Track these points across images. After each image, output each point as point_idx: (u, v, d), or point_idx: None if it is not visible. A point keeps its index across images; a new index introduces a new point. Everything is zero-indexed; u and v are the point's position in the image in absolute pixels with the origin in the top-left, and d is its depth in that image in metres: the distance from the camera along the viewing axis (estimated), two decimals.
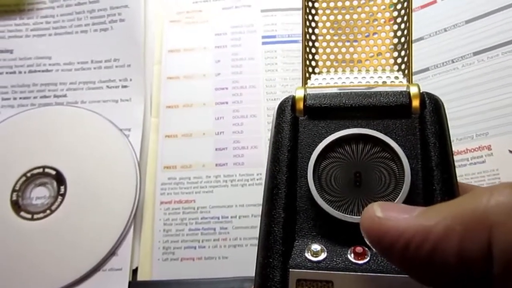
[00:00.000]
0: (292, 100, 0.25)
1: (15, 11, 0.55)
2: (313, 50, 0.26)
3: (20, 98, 0.52)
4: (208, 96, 0.50)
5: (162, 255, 0.44)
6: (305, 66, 0.26)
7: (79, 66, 0.52)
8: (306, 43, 0.26)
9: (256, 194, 0.45)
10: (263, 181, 0.45)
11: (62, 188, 0.46)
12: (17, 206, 0.46)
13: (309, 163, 0.23)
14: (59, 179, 0.47)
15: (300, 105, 0.24)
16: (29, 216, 0.45)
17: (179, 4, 0.55)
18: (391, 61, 0.25)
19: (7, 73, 0.53)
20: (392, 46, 0.25)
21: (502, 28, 0.43)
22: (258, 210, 0.44)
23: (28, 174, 0.47)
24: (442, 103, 0.24)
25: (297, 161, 0.23)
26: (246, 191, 0.46)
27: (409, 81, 0.25)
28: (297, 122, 0.24)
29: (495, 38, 0.43)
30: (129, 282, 0.43)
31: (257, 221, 0.44)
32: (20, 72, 0.53)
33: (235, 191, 0.46)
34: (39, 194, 0.47)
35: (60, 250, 0.44)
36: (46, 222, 0.45)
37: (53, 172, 0.47)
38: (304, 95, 0.24)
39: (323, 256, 0.21)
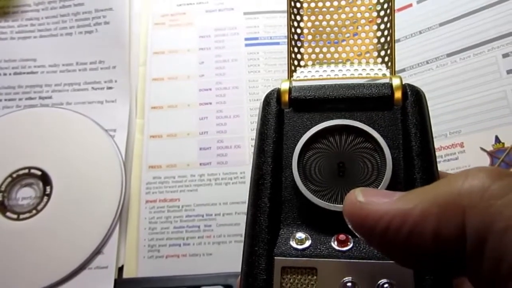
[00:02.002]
0: (277, 93, 0.25)
1: (0, 13, 0.55)
2: (299, 43, 0.27)
3: (6, 100, 0.52)
4: (192, 97, 0.51)
5: (148, 252, 0.45)
6: (290, 59, 0.26)
7: (64, 68, 0.53)
8: (291, 36, 0.27)
9: (240, 192, 0.46)
10: (246, 180, 0.47)
11: (48, 188, 0.47)
12: (3, 207, 0.46)
13: (294, 154, 0.23)
14: (45, 179, 0.47)
15: (285, 97, 0.25)
16: (15, 216, 0.46)
17: (163, 7, 0.56)
18: (375, 53, 0.26)
19: None
20: (375, 39, 0.26)
21: (474, 30, 0.44)
22: (242, 208, 0.46)
23: (14, 175, 0.47)
24: (424, 95, 0.24)
25: (282, 152, 0.24)
26: (230, 189, 0.47)
27: (392, 73, 0.25)
28: (282, 114, 0.25)
29: (468, 40, 0.44)
30: (115, 280, 0.43)
31: (240, 219, 0.45)
32: (5, 74, 0.53)
33: (219, 189, 0.47)
34: (25, 195, 0.47)
35: (46, 249, 0.44)
36: (32, 222, 0.45)
37: (39, 173, 0.47)
38: (289, 88, 0.25)
39: (307, 244, 0.22)
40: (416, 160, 0.22)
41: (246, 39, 0.53)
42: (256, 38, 0.53)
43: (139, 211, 0.46)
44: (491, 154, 0.40)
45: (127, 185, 0.47)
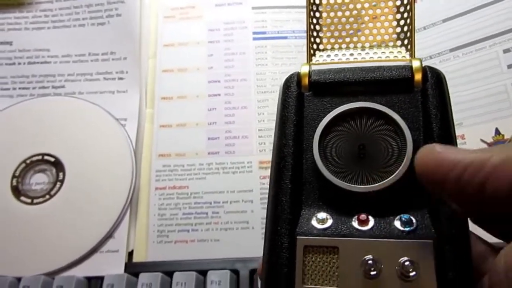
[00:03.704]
0: (297, 76, 0.25)
1: (15, 4, 0.57)
2: (318, 28, 0.27)
3: (19, 88, 0.53)
4: (201, 89, 0.52)
5: (157, 237, 0.46)
6: (309, 43, 0.26)
7: (77, 58, 0.54)
8: (310, 20, 0.27)
9: (247, 181, 0.48)
10: (253, 169, 0.48)
11: (61, 174, 0.48)
12: (17, 191, 0.48)
13: (315, 136, 0.23)
14: (58, 166, 0.49)
15: (305, 80, 0.25)
16: (29, 200, 0.47)
17: (173, 0, 0.57)
18: (394, 36, 0.26)
19: (6, 64, 0.55)
20: (395, 22, 0.26)
21: (476, 26, 0.46)
22: (248, 196, 0.47)
23: (28, 161, 0.49)
24: (444, 77, 0.24)
25: (303, 135, 0.24)
26: (237, 178, 0.48)
27: (412, 56, 0.25)
28: (302, 98, 0.25)
29: (470, 36, 0.46)
30: (126, 263, 0.45)
31: (247, 206, 0.47)
32: (19, 64, 0.54)
33: (227, 178, 0.48)
34: (39, 180, 0.49)
35: (59, 233, 0.46)
36: (46, 206, 0.47)
37: (52, 160, 0.49)
38: (309, 71, 0.25)
39: (328, 223, 0.22)
40: (436, 141, 0.22)
41: (254, 33, 0.55)
42: (264, 32, 0.55)
43: (149, 198, 0.48)
44: (491, 145, 0.42)
45: (137, 173, 0.49)
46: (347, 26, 0.26)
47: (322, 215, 0.22)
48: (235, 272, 0.43)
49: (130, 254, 0.46)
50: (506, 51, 0.43)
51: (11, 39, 0.56)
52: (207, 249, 0.45)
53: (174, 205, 0.47)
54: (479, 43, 0.45)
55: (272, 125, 0.50)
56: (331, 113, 0.24)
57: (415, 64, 0.24)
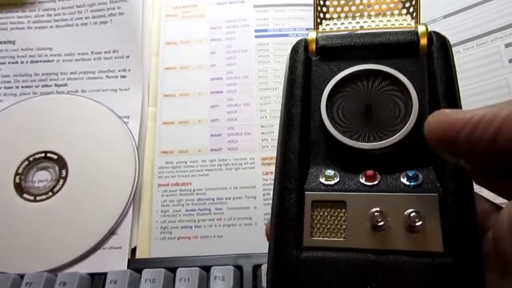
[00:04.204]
0: (304, 42, 0.26)
1: (18, 4, 0.57)
2: None
3: (23, 87, 0.54)
4: (204, 86, 0.53)
5: (160, 234, 0.46)
6: (316, 12, 0.27)
7: (80, 57, 0.55)
8: None
9: (249, 177, 0.48)
10: (256, 165, 0.48)
11: (63, 171, 0.48)
12: (20, 189, 0.48)
13: (322, 97, 0.24)
14: (61, 163, 0.49)
15: (313, 46, 0.25)
16: (32, 197, 0.47)
17: None
18: (400, 5, 0.26)
19: (9, 63, 0.55)
20: None
21: (477, 22, 0.46)
22: (251, 192, 0.47)
23: (31, 159, 0.49)
24: (449, 42, 0.25)
25: (311, 98, 0.25)
26: (240, 174, 0.48)
27: (417, 22, 0.26)
28: (309, 63, 0.25)
29: (471, 31, 0.46)
30: (129, 260, 0.45)
31: (250, 203, 0.47)
32: (22, 62, 0.55)
33: (229, 174, 0.48)
34: (41, 178, 0.49)
35: (62, 230, 0.46)
36: (49, 204, 0.47)
37: (55, 157, 0.49)
38: (316, 37, 0.26)
39: (336, 180, 0.23)
40: (442, 101, 0.23)
41: (256, 30, 0.55)
42: (266, 30, 0.55)
43: (152, 194, 0.48)
44: None
45: (140, 169, 0.49)
46: None
47: (329, 172, 0.23)
48: (239, 268, 0.43)
49: (133, 251, 0.46)
50: (507, 45, 0.43)
51: (14, 38, 0.56)
52: (210, 245, 0.45)
53: (177, 201, 0.47)
54: (480, 38, 0.45)
55: (275, 121, 0.50)
56: (338, 74, 0.24)
57: (421, 29, 0.25)
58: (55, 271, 0.43)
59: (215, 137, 0.50)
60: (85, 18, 0.56)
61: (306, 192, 0.23)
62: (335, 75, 0.24)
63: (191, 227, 0.46)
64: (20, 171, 0.48)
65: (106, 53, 0.55)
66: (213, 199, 0.47)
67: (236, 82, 0.53)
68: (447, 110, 0.20)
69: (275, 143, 0.48)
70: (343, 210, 0.22)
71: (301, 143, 0.24)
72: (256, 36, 0.55)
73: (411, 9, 0.26)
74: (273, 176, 0.47)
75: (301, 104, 0.24)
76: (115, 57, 0.54)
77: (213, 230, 0.46)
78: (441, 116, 0.19)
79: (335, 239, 0.22)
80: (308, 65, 0.25)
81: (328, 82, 0.24)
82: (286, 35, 0.55)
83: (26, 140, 0.50)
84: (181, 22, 0.56)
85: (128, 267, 0.44)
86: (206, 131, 0.51)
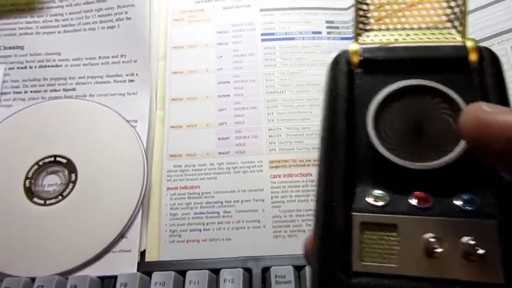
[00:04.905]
0: (346, 54, 0.25)
1: (26, 9, 0.58)
2: (364, 7, 0.26)
3: (31, 91, 0.54)
4: (211, 90, 0.53)
5: (169, 237, 0.46)
6: (356, 23, 0.26)
7: (87, 61, 0.55)
8: (357, 0, 0.26)
9: (257, 180, 0.48)
10: (263, 168, 0.49)
11: (73, 175, 0.49)
12: (30, 193, 0.48)
13: (369, 112, 0.23)
14: (70, 167, 0.49)
15: (355, 58, 0.24)
16: (41, 201, 0.48)
17: (182, 4, 0.58)
18: (444, 17, 0.25)
19: (18, 68, 0.55)
20: (445, 3, 0.25)
21: (484, 24, 0.46)
22: (259, 195, 0.47)
23: (40, 163, 0.49)
24: (499, 57, 0.24)
25: (355, 112, 0.23)
26: (248, 177, 0.48)
27: (463, 37, 0.24)
28: (352, 75, 0.24)
29: (478, 33, 0.46)
30: (138, 263, 0.45)
31: (258, 205, 0.47)
32: (31, 67, 0.55)
33: (237, 177, 0.49)
34: (51, 182, 0.49)
35: (72, 233, 0.46)
36: (58, 207, 0.47)
37: (64, 161, 0.49)
38: (359, 49, 0.25)
39: (385, 201, 0.22)
40: None
41: (263, 34, 0.56)
42: (272, 34, 0.56)
43: (161, 198, 0.48)
44: None
45: (148, 173, 0.49)
46: (395, 6, 0.26)
47: (377, 192, 0.22)
48: (248, 270, 0.43)
49: (142, 254, 0.46)
50: None
51: (22, 44, 0.56)
52: (219, 248, 0.46)
53: (186, 204, 0.48)
54: (487, 41, 0.45)
55: (282, 124, 0.51)
56: (385, 89, 0.23)
57: (470, 43, 0.24)
58: (65, 274, 0.44)
59: (222, 140, 0.50)
60: (92, 23, 0.56)
61: (353, 213, 0.21)
62: (382, 90, 0.23)
63: (199, 230, 0.47)
64: (30, 175, 0.49)
65: (113, 58, 0.55)
66: (222, 202, 0.48)
67: (243, 85, 0.53)
68: (485, 107, 0.19)
69: (283, 146, 0.49)
70: (394, 233, 0.21)
71: (346, 160, 0.22)
72: (263, 40, 0.55)
73: (456, 22, 0.25)
74: (281, 179, 0.48)
75: (346, 119, 0.23)
76: (123, 62, 0.55)
77: (221, 233, 0.46)
78: (483, 113, 0.18)
79: (387, 265, 0.20)
80: (351, 77, 0.24)
81: (374, 96, 0.23)
82: (293, 39, 0.55)
83: (35, 144, 0.50)
84: (188, 27, 0.57)
85: (138, 270, 0.44)
86: (214, 134, 0.51)
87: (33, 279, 0.42)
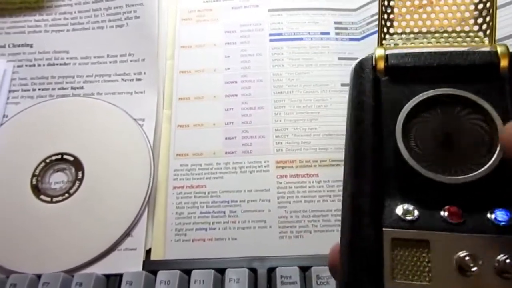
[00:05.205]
0: (372, 60, 0.24)
1: (35, 7, 0.58)
2: (389, 10, 0.25)
3: (39, 89, 0.54)
4: (218, 89, 0.53)
5: (175, 236, 0.46)
6: (380, 26, 0.25)
7: (96, 60, 0.55)
8: (382, 2, 0.25)
9: (264, 180, 0.48)
10: (270, 168, 0.48)
11: (79, 173, 0.49)
12: (37, 190, 0.48)
13: (397, 122, 0.22)
14: (77, 165, 0.49)
15: (381, 64, 0.23)
16: (48, 199, 0.48)
17: (190, 3, 0.58)
18: (471, 21, 0.24)
19: (26, 66, 0.56)
20: (472, 6, 0.24)
21: (503, 23, 0.46)
22: (265, 195, 0.47)
23: (47, 160, 0.50)
24: None
25: (382, 123, 0.23)
26: (254, 177, 0.48)
27: (492, 41, 0.24)
28: (378, 83, 0.23)
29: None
30: (144, 261, 0.45)
31: (264, 205, 0.47)
32: (39, 65, 0.55)
33: (244, 177, 0.48)
34: (58, 179, 0.49)
35: (78, 231, 0.46)
36: (65, 205, 0.47)
37: (71, 159, 0.49)
38: (385, 55, 0.23)
39: (415, 215, 0.21)
40: None
41: (271, 34, 0.56)
42: (280, 34, 0.55)
43: (167, 197, 0.48)
44: None
45: (155, 172, 0.49)
46: (420, 10, 0.25)
47: (408, 206, 0.21)
48: (253, 270, 0.43)
49: (148, 252, 0.46)
50: None
51: (31, 42, 0.57)
52: (224, 247, 0.45)
53: (192, 204, 0.48)
54: (505, 41, 0.45)
55: (289, 125, 0.50)
56: (414, 99, 0.22)
57: (501, 49, 0.23)
58: (71, 271, 0.44)
59: (229, 140, 0.50)
60: (101, 22, 0.57)
61: (384, 229, 0.20)
62: (409, 99, 0.22)
63: (205, 229, 0.46)
64: (37, 173, 0.49)
65: (121, 56, 0.55)
66: (228, 202, 0.47)
67: (250, 85, 0.53)
68: None
69: (290, 147, 0.49)
70: (426, 250, 0.20)
71: (374, 172, 0.22)
72: (271, 40, 0.55)
73: (484, 26, 0.24)
74: (287, 180, 0.48)
75: (373, 129, 0.22)
76: (131, 60, 0.55)
77: (227, 232, 0.46)
78: None
79: (420, 282, 0.20)
80: (377, 85, 0.23)
81: (402, 106, 0.22)
82: (301, 39, 0.55)
83: (42, 142, 0.51)
84: (196, 26, 0.57)
85: (143, 268, 0.44)
86: (221, 134, 0.51)
87: (39, 276, 0.42)
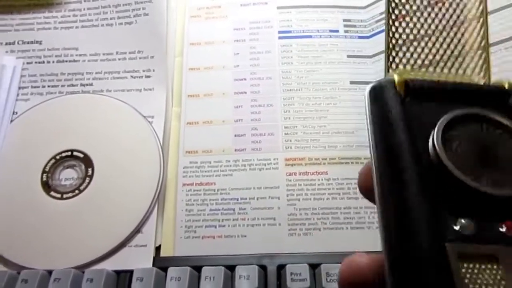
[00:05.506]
0: (391, 82, 0.24)
1: (44, 4, 0.58)
2: (397, 48, 0.25)
3: (49, 86, 0.55)
4: (228, 86, 0.53)
5: (184, 233, 0.47)
6: (387, 62, 0.25)
7: (105, 57, 0.55)
8: (389, 39, 0.25)
9: (273, 178, 0.48)
10: (279, 166, 0.49)
11: (90, 170, 0.49)
12: (47, 186, 0.48)
13: (435, 141, 0.22)
14: (87, 161, 0.49)
15: (402, 86, 0.23)
16: (58, 195, 0.48)
17: (199, 0, 0.58)
18: (477, 70, 0.25)
19: (36, 62, 0.56)
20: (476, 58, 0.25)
21: (505, 25, 0.46)
22: (275, 192, 0.47)
23: (57, 157, 0.50)
24: None
25: (414, 142, 0.22)
26: (263, 174, 0.48)
27: (488, 80, 0.24)
28: (403, 104, 0.23)
29: (498, 34, 0.46)
30: (154, 258, 0.45)
31: (273, 203, 0.47)
32: (48, 62, 0.56)
33: (253, 174, 0.49)
34: (68, 176, 0.49)
35: (89, 227, 0.46)
36: (75, 201, 0.48)
37: (81, 155, 0.50)
38: (405, 77, 0.23)
39: (474, 230, 0.20)
40: None
41: (280, 32, 0.56)
42: (289, 31, 0.55)
43: (176, 194, 0.48)
44: None
45: (164, 169, 0.49)
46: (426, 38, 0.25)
47: (463, 220, 0.20)
48: (263, 267, 0.43)
49: (157, 249, 0.46)
50: None
51: (40, 38, 0.57)
52: (234, 244, 0.46)
53: (201, 201, 0.48)
54: (508, 42, 0.45)
55: (298, 122, 0.51)
56: (444, 117, 0.22)
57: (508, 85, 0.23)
58: (82, 267, 0.44)
59: (239, 137, 0.51)
60: (110, 19, 0.57)
61: (447, 244, 0.19)
62: (439, 118, 0.22)
63: (215, 227, 0.47)
64: (47, 169, 0.49)
65: (131, 53, 0.55)
66: (237, 199, 0.48)
67: (259, 83, 0.53)
68: None
69: (299, 144, 0.49)
70: (495, 266, 0.19)
71: (421, 193, 0.21)
72: (280, 37, 0.55)
73: (482, 74, 0.24)
74: (296, 177, 0.48)
75: (409, 149, 0.22)
76: (140, 57, 0.55)
77: (237, 229, 0.46)
78: None
79: None
80: (401, 106, 0.23)
81: (432, 124, 0.22)
82: (310, 37, 0.55)
83: (52, 138, 0.51)
84: (205, 23, 0.57)
85: (153, 265, 0.44)
86: (230, 131, 0.51)
87: (50, 272, 0.42)
